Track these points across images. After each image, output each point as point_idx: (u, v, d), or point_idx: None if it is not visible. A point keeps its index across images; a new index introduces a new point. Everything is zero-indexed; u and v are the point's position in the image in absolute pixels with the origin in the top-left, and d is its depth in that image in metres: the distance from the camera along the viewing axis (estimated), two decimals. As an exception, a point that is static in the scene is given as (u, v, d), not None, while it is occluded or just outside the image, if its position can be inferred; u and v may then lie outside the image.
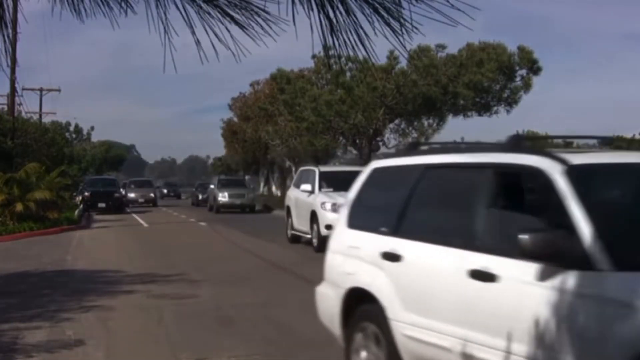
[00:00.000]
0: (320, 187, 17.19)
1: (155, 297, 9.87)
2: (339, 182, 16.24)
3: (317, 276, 6.59)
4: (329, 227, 14.24)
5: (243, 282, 11.67)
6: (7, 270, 13.16)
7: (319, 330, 7.80)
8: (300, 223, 17.69)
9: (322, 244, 13.96)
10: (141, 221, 29.33)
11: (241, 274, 12.71)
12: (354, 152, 38.13)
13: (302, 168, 21.00)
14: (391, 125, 35.80)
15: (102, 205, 35.42)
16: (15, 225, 21.82)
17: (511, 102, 33.29)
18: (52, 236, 21.43)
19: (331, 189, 16.76)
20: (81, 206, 32.90)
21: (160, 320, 8.27)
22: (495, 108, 33.67)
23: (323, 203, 16.17)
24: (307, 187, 17.42)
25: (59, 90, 50.36)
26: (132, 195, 44.88)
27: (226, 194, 36.72)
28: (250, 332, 7.68)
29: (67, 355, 6.63)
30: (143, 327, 7.90)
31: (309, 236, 16.95)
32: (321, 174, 17.76)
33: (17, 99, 33.46)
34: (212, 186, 40.36)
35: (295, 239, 18.35)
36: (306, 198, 17.31)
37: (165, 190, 74.38)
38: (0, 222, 22.10)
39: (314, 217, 16.49)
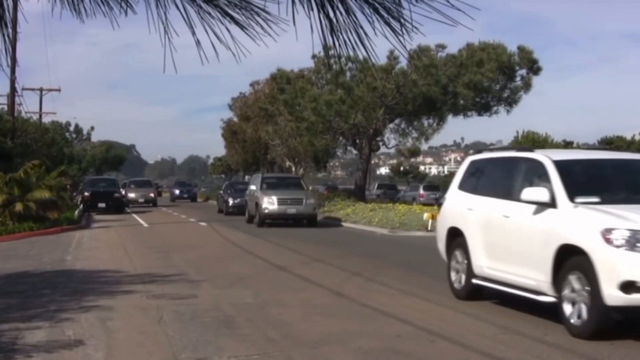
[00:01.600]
0: (571, 196, 8.28)
1: (155, 297, 9.87)
2: (602, 182, 9.18)
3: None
4: (628, 286, 7.21)
5: (243, 282, 11.67)
6: (7, 270, 13.15)
7: (319, 330, 7.80)
8: (507, 265, 9.00)
9: (602, 319, 7.40)
10: (141, 221, 29.34)
11: (241, 273, 12.70)
12: (354, 152, 38.15)
13: (481, 156, 11.12)
14: (391, 125, 35.85)
15: (102, 205, 35.43)
16: (15, 225, 21.81)
17: (511, 102, 33.34)
18: (52, 236, 21.42)
19: (596, 198, 8.37)
20: (81, 206, 32.92)
21: (160, 320, 8.26)
22: (495, 108, 33.74)
23: (608, 231, 7.48)
24: (535, 194, 8.54)
25: (59, 90, 50.44)
26: (132, 195, 44.89)
27: (274, 199, 25.74)
28: (250, 332, 7.68)
29: (67, 356, 6.63)
30: (143, 327, 7.89)
31: (547, 298, 8.22)
32: (561, 167, 8.80)
33: (17, 99, 33.49)
34: (252, 187, 28.38)
35: (475, 293, 9.87)
36: (530, 217, 8.66)
37: (177, 192, 59.62)
38: (0, 222, 22.10)
39: (567, 258, 7.88)
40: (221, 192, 38.49)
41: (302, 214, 25.88)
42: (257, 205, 26.11)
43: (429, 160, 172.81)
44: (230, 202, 34.26)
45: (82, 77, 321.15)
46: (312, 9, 2.24)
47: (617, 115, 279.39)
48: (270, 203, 25.76)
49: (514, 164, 9.90)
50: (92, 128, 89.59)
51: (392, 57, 29.85)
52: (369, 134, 33.81)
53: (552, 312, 9.07)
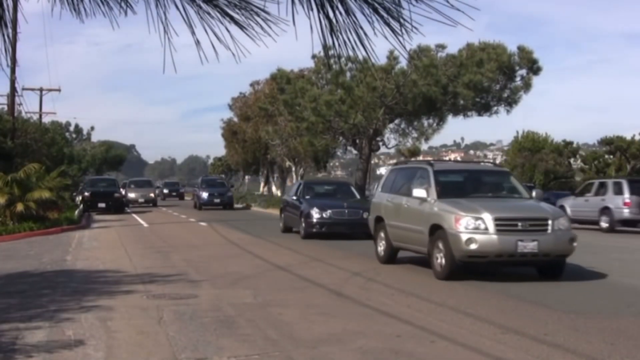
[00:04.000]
0: None
1: (155, 297, 9.87)
2: None
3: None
4: None
5: (243, 282, 11.67)
6: (7, 270, 13.16)
7: (319, 330, 7.80)
8: None
9: None
10: (141, 221, 29.33)
11: (241, 273, 12.70)
12: (354, 152, 38.12)
13: None
14: (391, 125, 35.80)
15: (102, 205, 35.45)
16: (15, 225, 21.82)
17: (511, 102, 33.31)
18: (52, 236, 21.42)
19: None
20: (81, 206, 32.92)
21: (160, 320, 8.27)
22: (495, 108, 33.69)
23: None
24: None
25: (59, 90, 50.41)
26: (132, 195, 44.90)
27: (488, 219, 11.87)
28: (250, 332, 7.68)
29: (67, 356, 6.63)
30: (143, 327, 7.89)
31: None
32: None
33: (17, 99, 33.43)
34: (419, 193, 13.24)
35: None
36: None
37: (205, 195, 41.70)
38: (0, 222, 22.10)
39: None
40: (293, 198, 23.57)
41: (547, 254, 11.97)
42: (446, 234, 12.05)
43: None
44: (315, 216, 20.68)
45: (82, 77, 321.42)
46: (312, 9, 2.24)
47: (617, 115, 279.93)
48: (478, 230, 11.82)
49: None
50: (92, 128, 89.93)
51: (392, 57, 29.81)
52: (369, 134, 33.78)
53: (551, 311, 9.09)
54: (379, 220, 15.12)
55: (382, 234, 14.82)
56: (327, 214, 20.67)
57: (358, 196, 23.14)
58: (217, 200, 41.52)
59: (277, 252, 16.80)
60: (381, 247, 14.89)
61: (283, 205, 24.52)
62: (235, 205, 43.82)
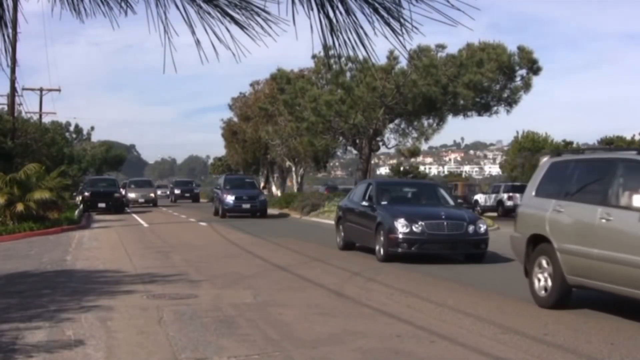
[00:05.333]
0: None
1: (155, 297, 9.87)
2: None
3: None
4: None
5: (243, 282, 11.67)
6: (7, 270, 13.15)
7: (319, 330, 7.80)
8: None
9: None
10: (141, 221, 29.32)
11: (241, 273, 12.70)
12: (354, 152, 38.13)
13: None
14: (391, 125, 35.81)
15: (102, 205, 35.46)
16: (15, 225, 21.81)
17: (511, 102, 33.32)
18: (52, 236, 21.41)
19: None
20: (81, 206, 32.91)
21: (160, 320, 8.26)
22: (495, 108, 33.70)
23: None
24: None
25: (59, 90, 50.43)
26: (132, 195, 44.90)
27: None
28: (250, 332, 7.68)
29: (67, 356, 6.63)
30: (143, 327, 7.89)
31: None
32: None
33: (17, 99, 33.43)
34: None
35: None
36: None
37: (230, 199, 32.36)
38: (0, 222, 22.10)
39: None
40: (362, 204, 16.90)
41: None
42: None
43: (429, 160, 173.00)
44: (401, 229, 14.77)
45: (82, 77, 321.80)
46: (312, 9, 2.24)
47: (617, 115, 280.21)
48: None
49: None
50: (92, 128, 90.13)
51: (392, 57, 29.84)
52: (369, 134, 33.78)
53: (551, 311, 9.08)
54: (539, 240, 9.80)
55: (547, 263, 9.54)
56: (418, 227, 14.76)
57: (452, 202, 17.06)
58: (246, 206, 32.18)
59: (277, 252, 16.80)
60: (542, 282, 9.59)
61: (341, 213, 18.14)
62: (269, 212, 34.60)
